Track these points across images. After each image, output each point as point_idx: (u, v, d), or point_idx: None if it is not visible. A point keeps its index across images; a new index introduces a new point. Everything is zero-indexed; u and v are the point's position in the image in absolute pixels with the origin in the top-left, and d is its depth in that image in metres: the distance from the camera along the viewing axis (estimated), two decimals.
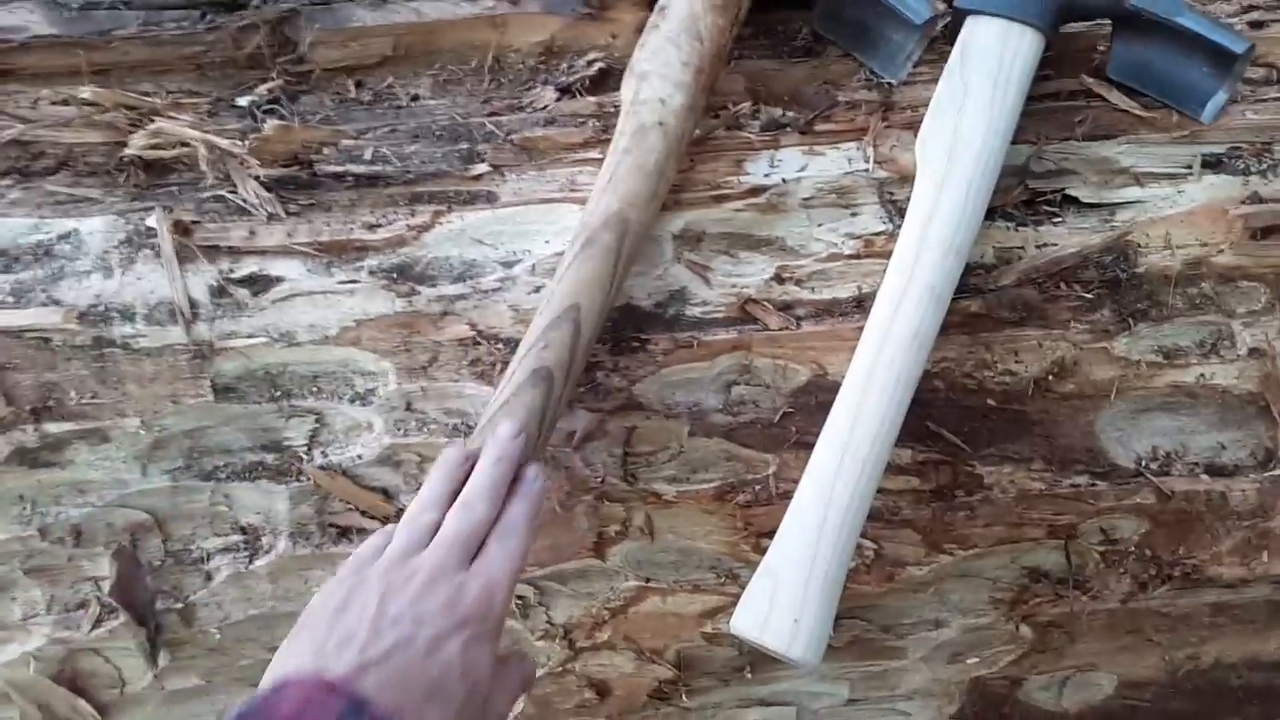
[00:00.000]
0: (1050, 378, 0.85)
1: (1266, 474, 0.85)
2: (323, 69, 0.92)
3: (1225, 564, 0.85)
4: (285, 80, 0.91)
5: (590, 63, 0.92)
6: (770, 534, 0.79)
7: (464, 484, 0.68)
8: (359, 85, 0.92)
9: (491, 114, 0.90)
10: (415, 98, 0.92)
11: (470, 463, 0.70)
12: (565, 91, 0.91)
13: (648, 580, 0.86)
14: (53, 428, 0.81)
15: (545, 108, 0.90)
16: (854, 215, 0.87)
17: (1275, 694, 0.94)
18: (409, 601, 0.62)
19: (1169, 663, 0.91)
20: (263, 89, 0.90)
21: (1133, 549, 0.86)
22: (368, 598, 0.62)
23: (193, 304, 0.82)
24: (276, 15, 0.91)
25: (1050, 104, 0.89)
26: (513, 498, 0.69)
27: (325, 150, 0.87)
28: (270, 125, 0.86)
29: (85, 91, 0.87)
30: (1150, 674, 0.92)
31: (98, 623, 0.83)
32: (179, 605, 0.84)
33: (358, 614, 0.61)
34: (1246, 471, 0.86)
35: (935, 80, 0.86)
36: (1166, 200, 0.86)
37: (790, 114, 0.90)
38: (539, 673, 0.88)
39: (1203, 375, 0.85)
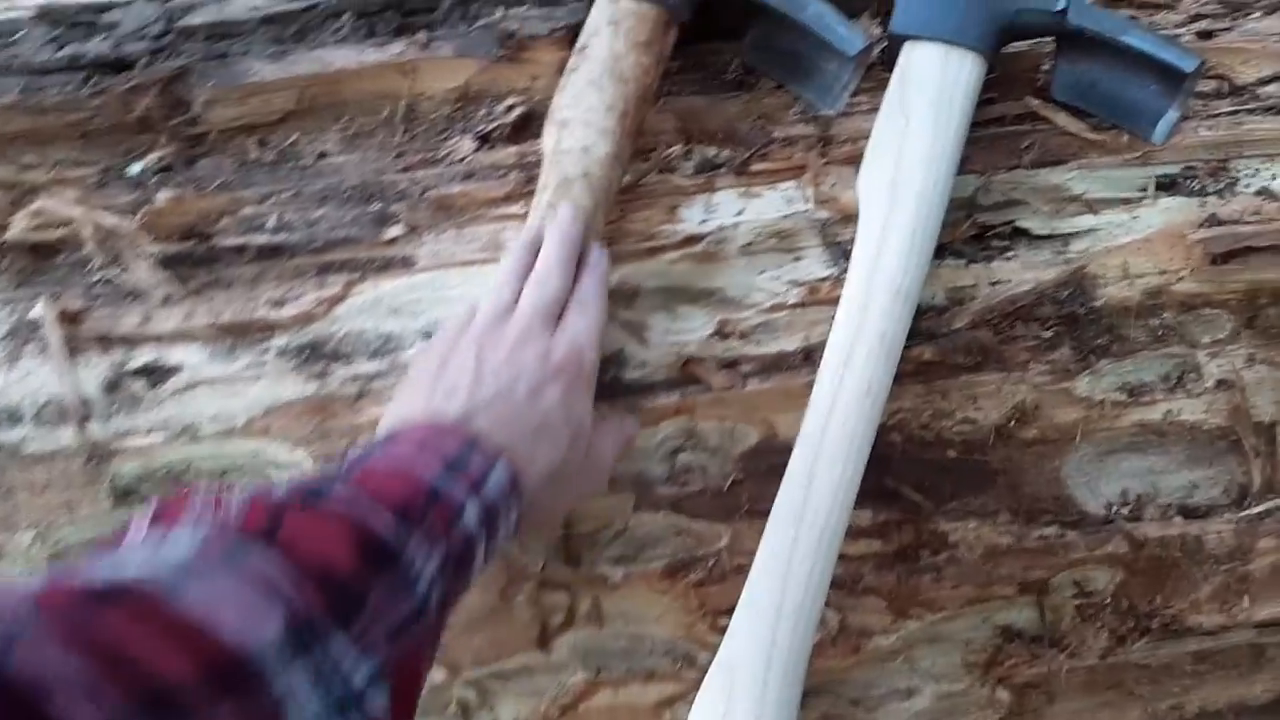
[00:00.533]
0: (1011, 424, 0.80)
1: (1242, 513, 0.81)
2: (220, 129, 0.85)
3: (1205, 612, 0.81)
4: (179, 144, 0.84)
5: (510, 108, 0.86)
6: (727, 612, 0.73)
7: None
8: (260, 144, 0.86)
9: (405, 169, 0.84)
10: (322, 155, 0.86)
11: (537, 246, 0.73)
12: (484, 140, 0.85)
13: (598, 671, 0.80)
14: None
15: (463, 159, 0.84)
16: (797, 260, 0.82)
17: None
18: (505, 357, 0.66)
19: (1152, 715, 0.86)
20: (154, 156, 0.83)
21: (1109, 601, 0.81)
22: (465, 357, 0.66)
23: (85, 402, 0.75)
24: (166, 74, 0.85)
25: (995, 130, 0.84)
26: (582, 273, 0.73)
27: (224, 220, 0.80)
28: (162, 197, 0.80)
29: None
30: None
31: None
32: None
33: (457, 370, 0.66)
34: (1221, 511, 0.82)
35: (875, 109, 0.81)
36: (1122, 227, 0.82)
37: (724, 153, 0.85)
38: None
39: (1170, 412, 0.81)
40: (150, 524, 0.51)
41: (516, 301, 0.70)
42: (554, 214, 0.75)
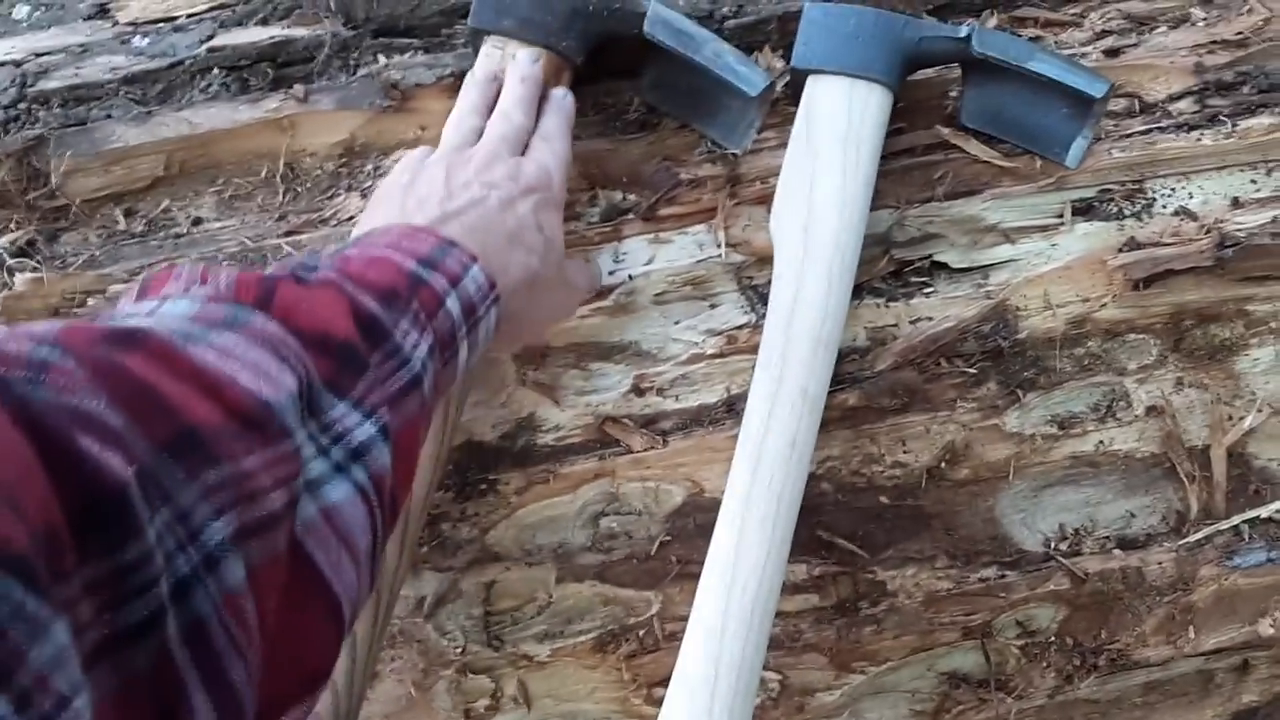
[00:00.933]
0: (943, 465, 0.77)
1: (1181, 541, 0.79)
2: (83, 200, 0.79)
3: (1151, 645, 0.79)
4: (39, 220, 0.78)
5: (398, 160, 0.81)
6: (662, 682, 0.69)
7: (496, 100, 0.72)
8: (129, 214, 0.80)
9: (289, 233, 0.79)
10: (197, 221, 0.80)
11: (497, 83, 0.74)
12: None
13: None
14: None
15: (351, 219, 0.79)
16: (713, 308, 0.78)
17: None
18: (473, 175, 0.65)
19: None
20: (10, 237, 0.76)
21: (1053, 639, 0.79)
22: (433, 173, 0.65)
23: None
24: (21, 146, 0.78)
25: (906, 160, 0.82)
26: (545, 111, 0.73)
27: (90, 301, 0.74)
28: (20, 280, 0.73)
29: None
30: None
31: None
32: None
33: (426, 185, 0.65)
34: (1160, 540, 0.80)
35: (782, 145, 0.79)
36: (1040, 256, 0.80)
37: (630, 198, 0.81)
38: None
39: (1102, 442, 0.79)
40: (139, 295, 0.49)
41: (479, 133, 0.70)
42: (514, 59, 0.74)
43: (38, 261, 0.75)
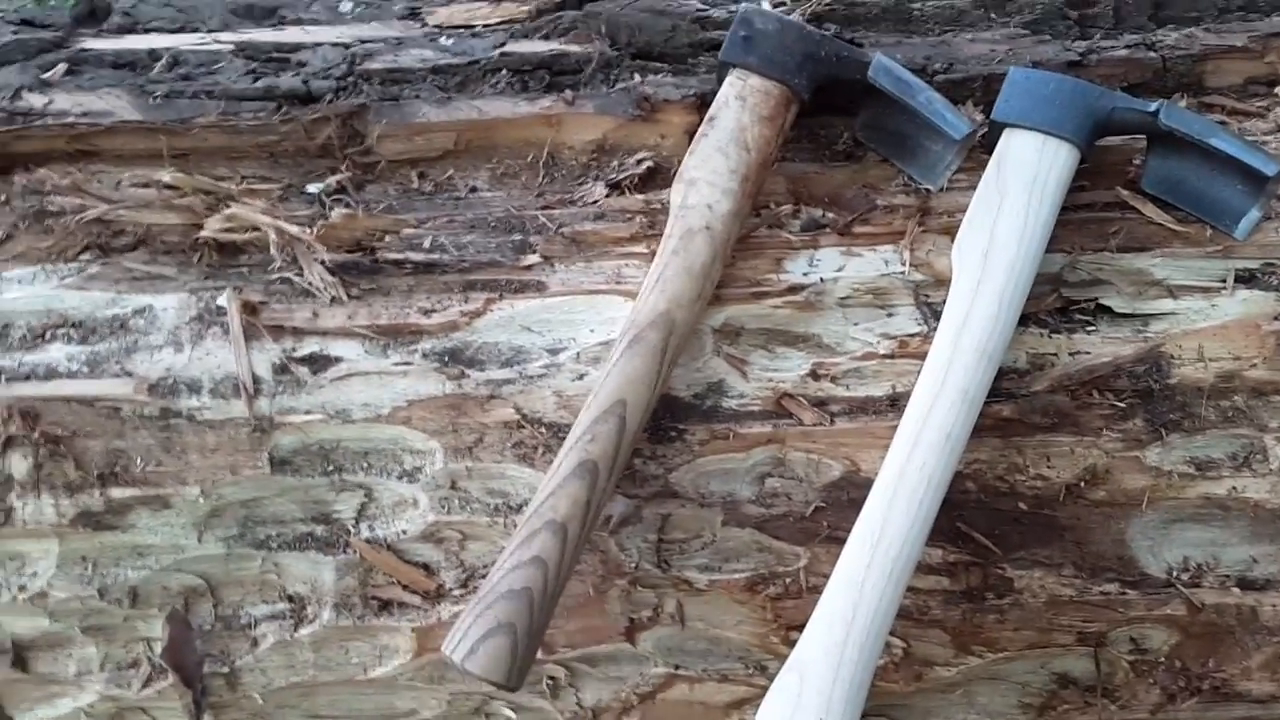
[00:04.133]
0: (1082, 484, 0.86)
1: None
2: (388, 160, 0.97)
3: (1255, 679, 0.85)
4: (352, 170, 0.96)
5: (639, 161, 0.96)
6: (799, 627, 0.80)
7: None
8: (421, 176, 0.97)
9: (544, 207, 0.95)
10: (473, 189, 0.97)
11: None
12: (615, 188, 0.95)
13: (677, 668, 0.88)
14: (117, 493, 0.85)
15: (595, 203, 0.95)
16: (890, 316, 0.89)
17: None
18: None
19: None
20: (332, 179, 0.95)
21: (1162, 660, 0.86)
22: None
23: (256, 380, 0.86)
24: (347, 109, 0.97)
25: (1085, 214, 0.91)
26: None
27: (387, 238, 0.92)
28: (337, 213, 0.91)
29: (165, 175, 0.93)
30: None
31: (147, 682, 0.86)
32: (225, 669, 0.87)
33: None
34: (1278, 585, 0.86)
35: (972, 187, 0.89)
36: (1200, 313, 0.88)
37: (830, 215, 0.93)
38: None
39: (1235, 488, 0.86)
40: None
41: None
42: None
43: (349, 202, 0.94)
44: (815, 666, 0.75)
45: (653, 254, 0.87)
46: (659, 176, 0.95)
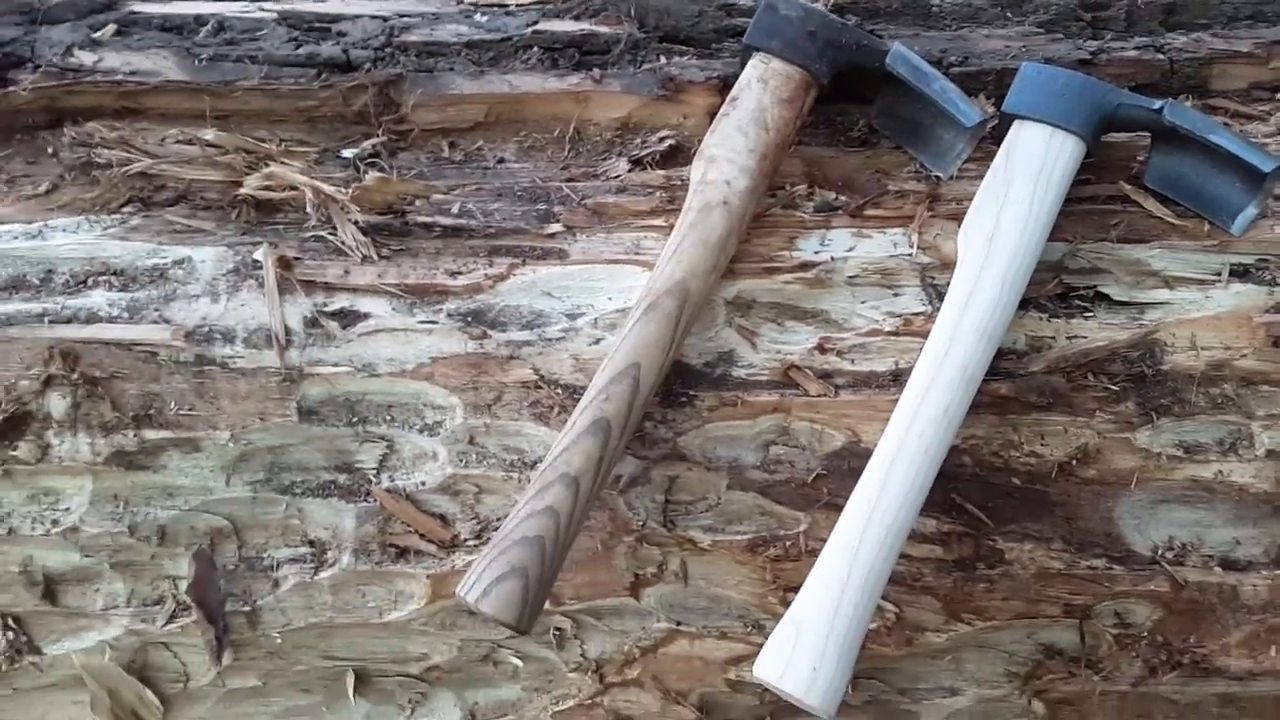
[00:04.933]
0: (1073, 462, 0.89)
1: (1278, 572, 0.88)
2: (421, 129, 1.01)
3: (1234, 655, 0.88)
4: (387, 137, 1.00)
5: (662, 139, 1.00)
6: (796, 589, 0.83)
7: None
8: (452, 146, 1.01)
9: (569, 179, 0.98)
10: (501, 160, 1.01)
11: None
12: (637, 163, 0.99)
13: (678, 623, 0.91)
14: (151, 434, 0.89)
15: (618, 177, 0.98)
16: (896, 295, 0.93)
17: None
18: None
19: None
20: (366, 144, 0.99)
21: (1145, 634, 0.89)
22: None
23: (287, 332, 0.90)
24: (384, 78, 1.01)
25: (1088, 206, 0.95)
26: None
27: (418, 202, 0.96)
28: (371, 176, 0.95)
29: (208, 134, 0.97)
30: None
31: (171, 618, 0.90)
32: (246, 608, 0.91)
33: None
34: (1259, 568, 0.89)
35: (980, 176, 0.93)
36: (1194, 304, 0.91)
37: (843, 198, 0.97)
38: (570, 703, 0.93)
39: (1221, 472, 0.89)
40: None
41: None
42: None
43: (383, 167, 0.98)
44: (811, 621, 0.79)
45: (671, 227, 0.91)
46: (680, 154, 0.99)
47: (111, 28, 1.05)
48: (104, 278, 0.92)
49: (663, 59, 1.03)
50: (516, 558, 0.80)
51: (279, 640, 0.91)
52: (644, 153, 0.99)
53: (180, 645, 0.91)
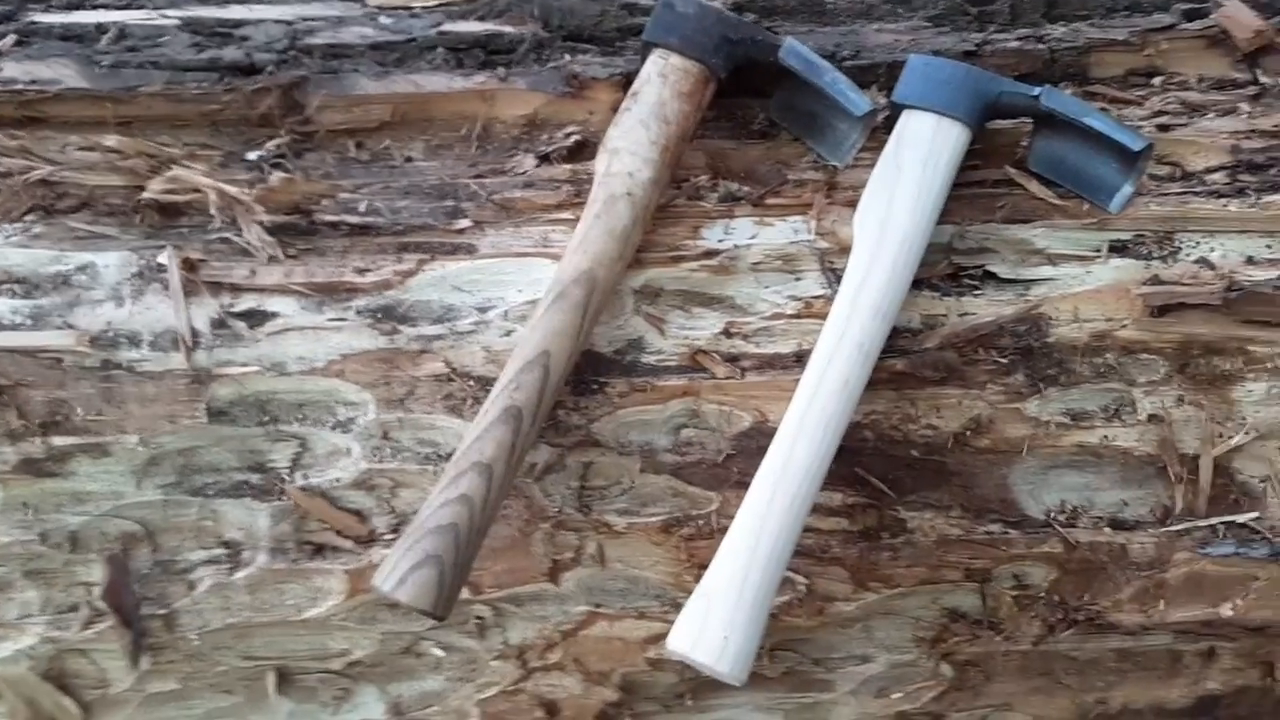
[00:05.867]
0: (968, 433, 0.93)
1: (1164, 529, 0.94)
2: (326, 130, 1.01)
3: (1126, 610, 0.93)
4: (292, 138, 1.00)
5: (568, 135, 1.02)
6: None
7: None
8: (358, 146, 1.02)
9: (476, 176, 1.00)
10: (409, 159, 1.02)
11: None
12: (544, 159, 1.01)
13: (597, 606, 0.93)
14: (59, 441, 0.88)
15: (525, 173, 1.00)
16: (797, 280, 0.96)
17: None
18: None
19: (1079, 706, 0.98)
20: (271, 144, 0.99)
21: (1042, 594, 0.94)
22: None
23: (194, 334, 0.90)
24: (288, 80, 1.01)
25: (975, 191, 0.99)
26: None
27: (324, 202, 0.96)
28: (275, 177, 0.96)
29: (110, 139, 0.96)
30: (1063, 716, 0.99)
31: (87, 624, 0.89)
32: (163, 611, 0.90)
33: None
34: (1146, 526, 0.94)
35: (875, 165, 0.96)
36: (1076, 279, 0.96)
37: (745, 188, 1.00)
38: (493, 690, 0.94)
39: (1106, 437, 0.94)
40: None
41: None
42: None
43: (288, 168, 0.98)
44: (721, 592, 0.82)
45: (578, 220, 0.93)
46: (586, 150, 1.01)
47: (11, 38, 1.03)
48: (6, 285, 0.91)
49: (567, 57, 1.06)
50: (431, 545, 0.81)
51: (197, 642, 0.91)
52: (550, 149, 1.01)
53: (97, 651, 0.90)
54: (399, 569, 0.81)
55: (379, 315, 0.92)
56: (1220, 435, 0.94)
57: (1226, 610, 0.92)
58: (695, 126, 0.98)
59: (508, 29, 1.07)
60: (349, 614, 0.92)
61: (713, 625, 0.80)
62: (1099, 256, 0.97)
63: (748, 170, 1.01)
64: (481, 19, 1.09)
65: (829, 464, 0.86)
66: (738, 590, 0.81)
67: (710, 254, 0.96)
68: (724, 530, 0.89)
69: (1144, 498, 0.95)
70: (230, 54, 1.04)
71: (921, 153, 0.95)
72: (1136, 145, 0.93)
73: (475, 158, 1.02)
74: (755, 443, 0.92)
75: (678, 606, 0.92)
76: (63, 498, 0.89)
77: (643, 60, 0.99)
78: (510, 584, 0.92)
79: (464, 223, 0.96)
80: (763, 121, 1.04)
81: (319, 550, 0.91)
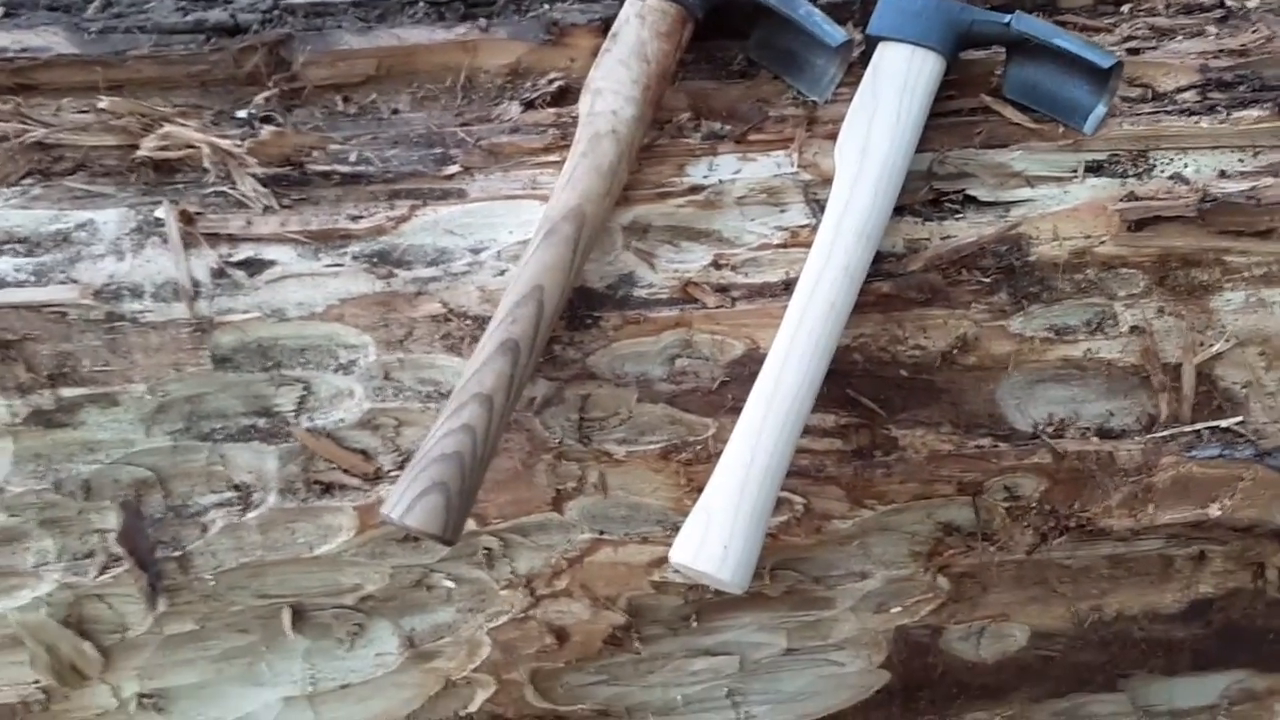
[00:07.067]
0: (955, 351, 0.96)
1: (1149, 436, 0.96)
2: (313, 86, 1.03)
3: (1116, 516, 0.96)
4: (280, 95, 1.02)
5: (551, 81, 1.04)
6: None
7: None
8: (346, 100, 1.04)
9: (463, 124, 1.02)
10: (395, 111, 1.04)
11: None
12: (529, 105, 1.03)
13: (601, 533, 0.96)
14: (67, 392, 0.90)
15: (511, 119, 1.02)
16: (782, 211, 0.98)
17: (1176, 646, 1.04)
18: None
19: (1075, 614, 1.00)
20: (260, 99, 1.01)
21: (1034, 504, 0.96)
22: None
23: (195, 284, 0.92)
24: (273, 39, 1.03)
25: (953, 119, 1.01)
26: None
27: (315, 153, 0.98)
28: (266, 130, 0.98)
29: (102, 102, 0.98)
30: (1059, 625, 1.02)
31: (103, 570, 0.91)
32: (177, 554, 0.92)
33: None
34: (1132, 435, 0.97)
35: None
36: (1054, 199, 0.98)
37: (727, 127, 1.02)
38: (504, 619, 0.97)
39: (1090, 350, 0.96)
40: None
41: None
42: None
43: (278, 122, 1.00)
44: (720, 505, 0.84)
45: (565, 161, 0.95)
46: (570, 95, 1.03)
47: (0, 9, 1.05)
48: (8, 245, 0.93)
49: (546, 5, 1.07)
50: (437, 473, 0.83)
51: (212, 583, 0.93)
52: (535, 95, 1.03)
53: (115, 596, 0.92)
54: (406, 497, 0.83)
55: (375, 260, 0.94)
56: (1201, 344, 0.96)
57: (1214, 510, 0.94)
58: (675, 66, 1.00)
59: None
60: (359, 549, 0.95)
61: (713, 537, 0.83)
62: (1075, 176, 0.99)
63: (729, 109, 1.03)
64: None
65: (819, 384, 0.88)
66: (735, 503, 0.83)
67: (696, 189, 0.98)
68: (720, 454, 0.92)
69: (1129, 407, 0.97)
70: (215, 15, 1.05)
71: (898, 82, 0.97)
72: (1105, 63, 0.95)
73: (461, 107, 1.04)
74: (748, 369, 0.94)
75: (678, 530, 0.95)
76: (74, 447, 0.91)
77: (620, 3, 1.01)
78: (516, 515, 0.94)
79: (453, 168, 0.98)
80: (742, 62, 1.06)
81: (327, 489, 0.93)
